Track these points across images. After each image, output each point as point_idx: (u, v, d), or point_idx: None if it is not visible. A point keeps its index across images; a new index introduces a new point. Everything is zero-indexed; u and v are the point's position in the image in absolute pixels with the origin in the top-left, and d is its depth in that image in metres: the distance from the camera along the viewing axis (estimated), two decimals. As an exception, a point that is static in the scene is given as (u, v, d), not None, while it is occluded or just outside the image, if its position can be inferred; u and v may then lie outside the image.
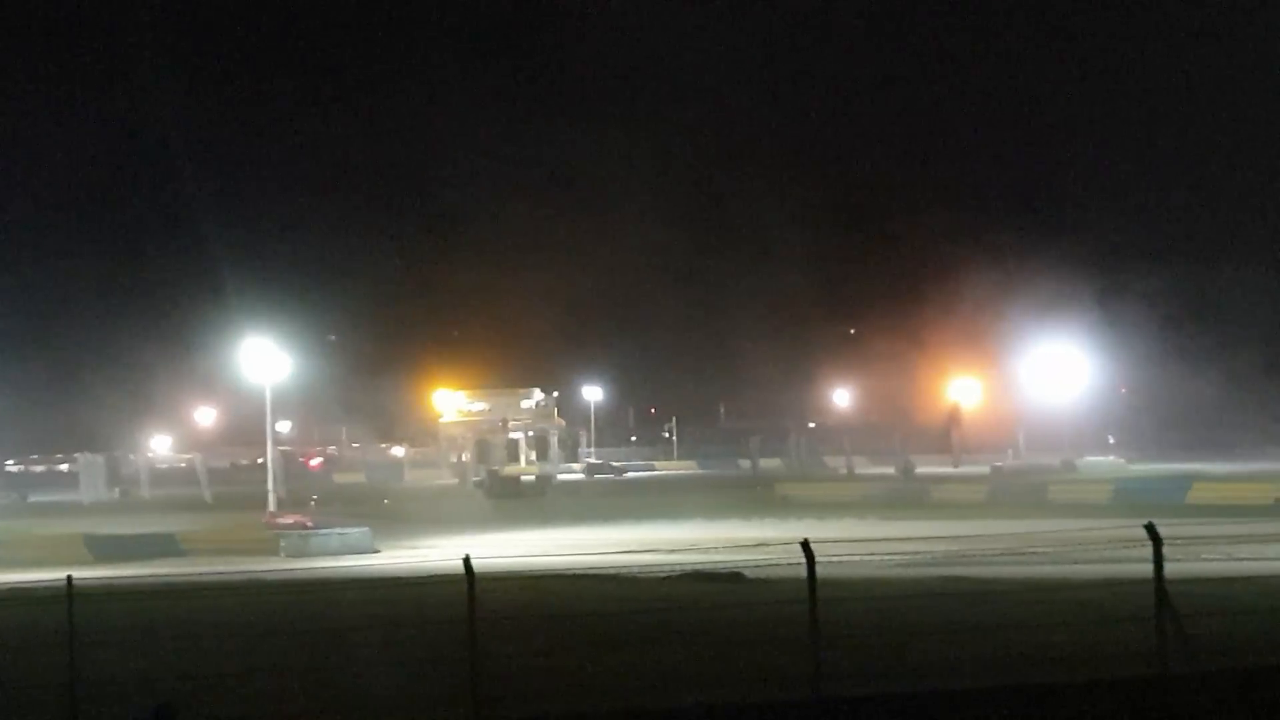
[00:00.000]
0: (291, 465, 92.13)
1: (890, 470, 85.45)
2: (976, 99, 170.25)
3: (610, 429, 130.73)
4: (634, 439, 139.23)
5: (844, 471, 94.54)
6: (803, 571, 13.99)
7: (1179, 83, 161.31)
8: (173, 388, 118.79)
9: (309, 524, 45.12)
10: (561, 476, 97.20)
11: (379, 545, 42.50)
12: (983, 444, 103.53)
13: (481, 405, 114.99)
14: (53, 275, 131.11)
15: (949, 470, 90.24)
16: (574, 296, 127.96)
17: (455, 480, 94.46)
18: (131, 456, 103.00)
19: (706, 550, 30.99)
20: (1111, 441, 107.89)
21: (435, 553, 38.18)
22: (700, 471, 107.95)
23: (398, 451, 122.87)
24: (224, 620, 21.93)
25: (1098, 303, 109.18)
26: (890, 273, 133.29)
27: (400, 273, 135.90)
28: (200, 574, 32.36)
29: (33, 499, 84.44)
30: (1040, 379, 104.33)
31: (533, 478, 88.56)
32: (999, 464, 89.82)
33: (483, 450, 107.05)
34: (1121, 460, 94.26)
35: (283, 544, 41.69)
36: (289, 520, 46.50)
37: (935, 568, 28.36)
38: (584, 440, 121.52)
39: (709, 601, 21.72)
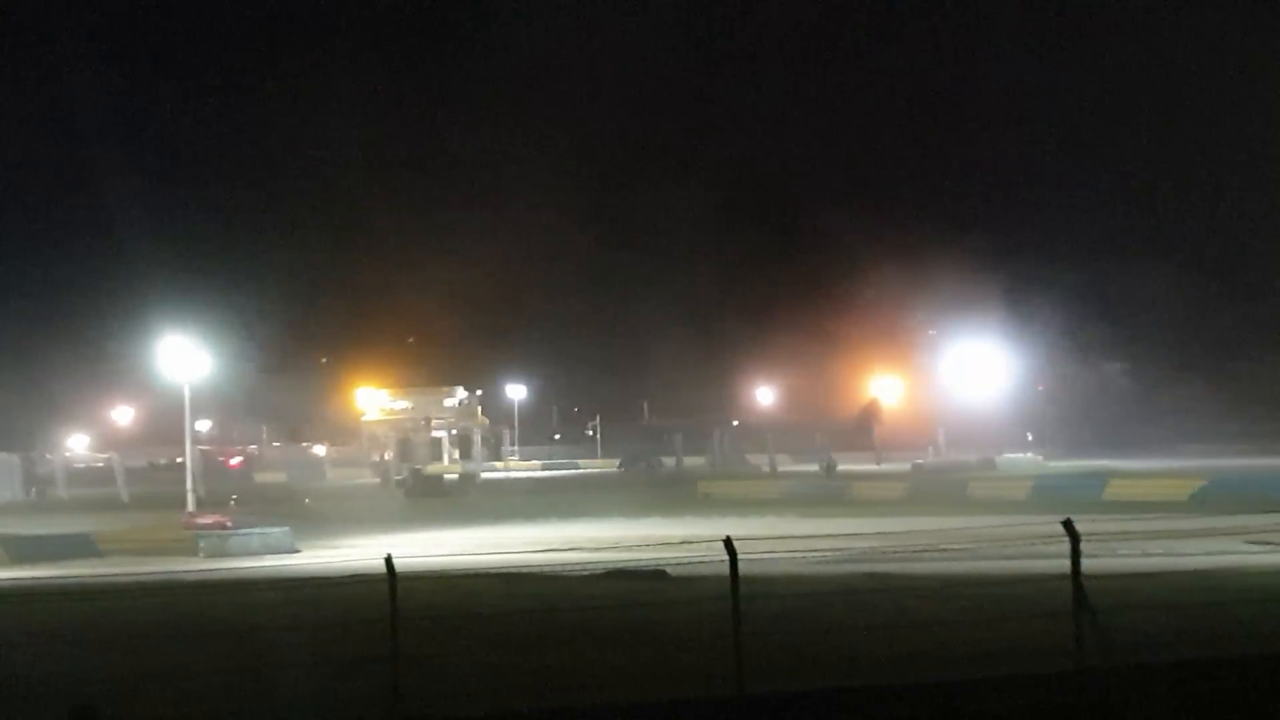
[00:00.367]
0: (211, 464, 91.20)
1: (812, 468, 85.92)
2: (885, 95, 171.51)
3: (534, 428, 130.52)
4: (557, 437, 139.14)
5: (766, 469, 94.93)
6: (725, 569, 14.03)
7: (1086, 79, 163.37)
8: (90, 386, 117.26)
9: (228, 524, 44.66)
10: (484, 475, 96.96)
11: (300, 545, 42.16)
12: (903, 441, 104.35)
13: (404, 404, 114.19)
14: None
15: (870, 467, 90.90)
16: (495, 295, 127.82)
17: (377, 479, 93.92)
18: (48, 456, 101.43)
19: (629, 548, 31.02)
20: (1030, 439, 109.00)
21: (357, 552, 37.92)
22: (623, 469, 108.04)
23: (319, 450, 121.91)
24: (142, 621, 21.67)
25: (1006, 299, 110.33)
26: (803, 269, 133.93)
27: (320, 270, 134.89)
28: (118, 575, 31.98)
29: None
30: (960, 377, 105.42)
31: (456, 476, 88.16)
32: (919, 461, 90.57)
33: (405, 449, 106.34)
34: (1039, 457, 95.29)
35: (201, 544, 41.25)
36: (208, 520, 46.01)
37: (857, 564, 28.53)
38: (507, 439, 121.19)
39: (632, 599, 21.73)
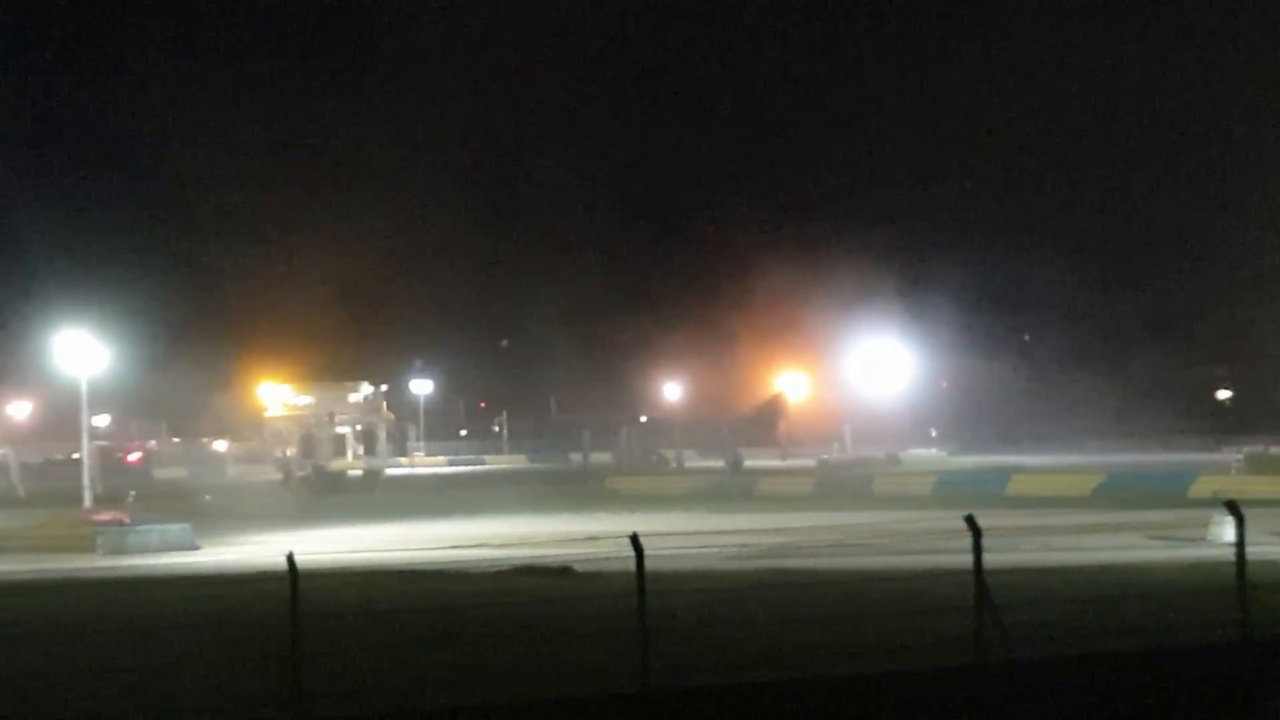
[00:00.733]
0: (109, 460, 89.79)
1: (719, 463, 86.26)
2: (777, 90, 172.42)
3: (440, 423, 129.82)
4: (464, 433, 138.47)
5: (674, 465, 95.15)
6: (632, 565, 13.98)
7: (977, 76, 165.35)
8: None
9: (126, 520, 43.96)
10: (389, 471, 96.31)
11: (200, 542, 41.58)
12: (810, 437, 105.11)
13: (307, 399, 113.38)
14: None
15: (777, 463, 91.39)
16: (400, 291, 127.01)
17: (280, 476, 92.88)
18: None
19: (536, 545, 30.92)
20: (934, 435, 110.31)
21: (258, 549, 37.48)
22: (530, 466, 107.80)
23: (220, 446, 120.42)
24: (37, 620, 21.24)
25: (901, 294, 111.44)
26: (703, 265, 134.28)
27: (221, 264, 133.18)
28: (12, 572, 31.34)
29: None
30: (865, 373, 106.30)
31: (360, 473, 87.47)
32: (825, 457, 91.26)
33: (308, 445, 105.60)
34: (943, 453, 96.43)
35: (99, 541, 40.55)
36: (106, 516, 45.27)
37: (763, 560, 28.63)
38: (413, 434, 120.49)
39: (538, 596, 21.63)
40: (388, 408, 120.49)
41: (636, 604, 13.72)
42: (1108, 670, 13.88)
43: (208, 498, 67.36)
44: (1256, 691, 13.46)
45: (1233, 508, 14.88)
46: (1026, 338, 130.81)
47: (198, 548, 40.51)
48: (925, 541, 30.36)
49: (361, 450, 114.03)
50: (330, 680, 14.70)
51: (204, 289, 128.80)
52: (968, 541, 14.28)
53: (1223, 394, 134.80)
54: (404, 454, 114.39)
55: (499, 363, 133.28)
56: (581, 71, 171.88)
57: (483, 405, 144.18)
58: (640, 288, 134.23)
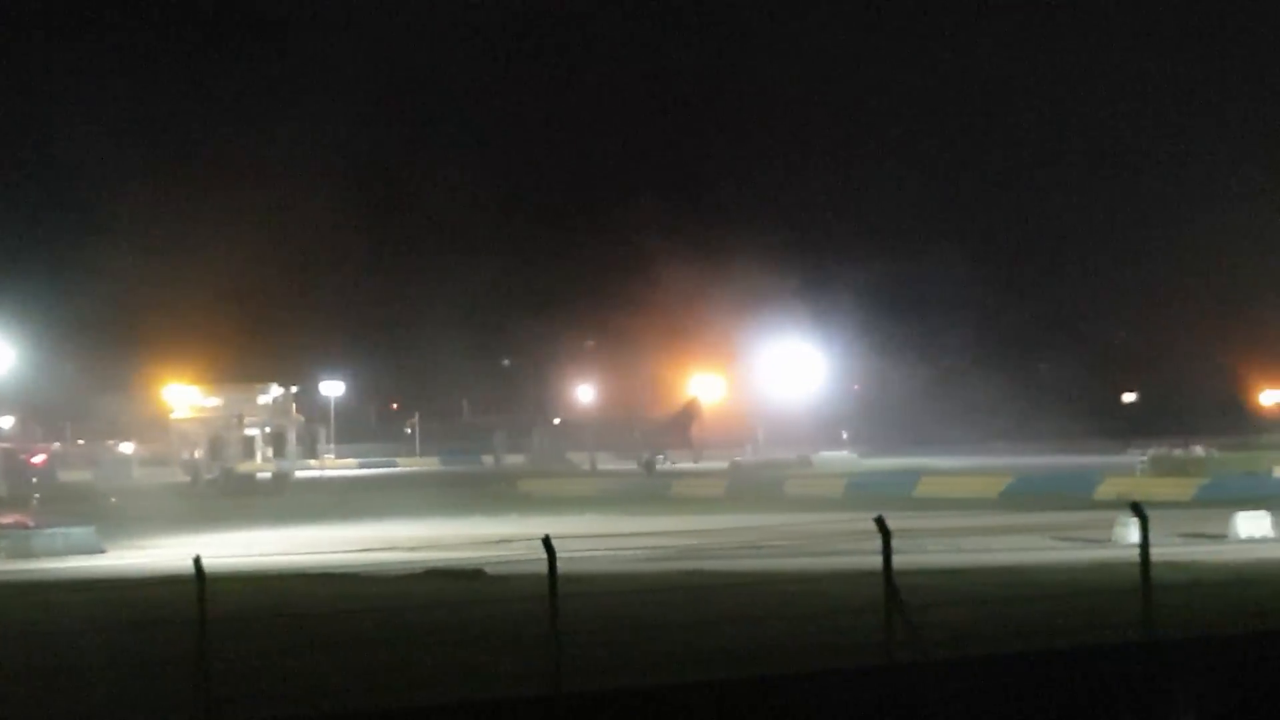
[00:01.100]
0: (12, 462, 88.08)
1: (632, 465, 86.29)
2: (680, 90, 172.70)
3: (351, 425, 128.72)
4: (377, 436, 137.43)
5: (587, 467, 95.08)
6: (544, 567, 13.95)
7: (880, 75, 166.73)
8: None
9: (30, 523, 43.24)
10: (299, 473, 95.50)
11: (106, 545, 41.00)
12: (722, 439, 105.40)
13: (215, 401, 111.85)
14: None
15: (690, 465, 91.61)
16: (309, 291, 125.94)
17: (188, 478, 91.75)
18: None
19: (447, 547, 30.82)
20: (845, 437, 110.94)
21: (166, 553, 37.00)
22: (442, 468, 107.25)
23: (127, 448, 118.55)
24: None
25: (804, 295, 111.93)
26: (607, 268, 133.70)
27: (125, 264, 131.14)
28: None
29: None
30: (777, 375, 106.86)
31: (269, 475, 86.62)
32: (738, 459, 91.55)
33: (217, 447, 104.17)
34: (854, 455, 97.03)
35: (2, 545, 39.84)
36: (9, 520, 44.48)
37: (675, 562, 28.69)
38: (323, 436, 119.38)
39: (449, 599, 21.54)
40: (297, 410, 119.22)
41: (548, 607, 13.69)
42: (1016, 670, 14.04)
43: (114, 501, 66.40)
44: (1160, 691, 13.68)
45: (1137, 509, 15.10)
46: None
47: (103, 551, 39.94)
48: (836, 543, 30.60)
49: (270, 452, 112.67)
50: (238, 684, 14.55)
51: (109, 290, 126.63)
52: (878, 543, 14.39)
53: (1128, 397, 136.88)
54: (314, 456, 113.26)
55: (411, 365, 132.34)
56: (482, 71, 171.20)
57: (395, 407, 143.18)
58: (546, 289, 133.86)
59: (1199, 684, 13.60)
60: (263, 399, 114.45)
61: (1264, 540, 33.50)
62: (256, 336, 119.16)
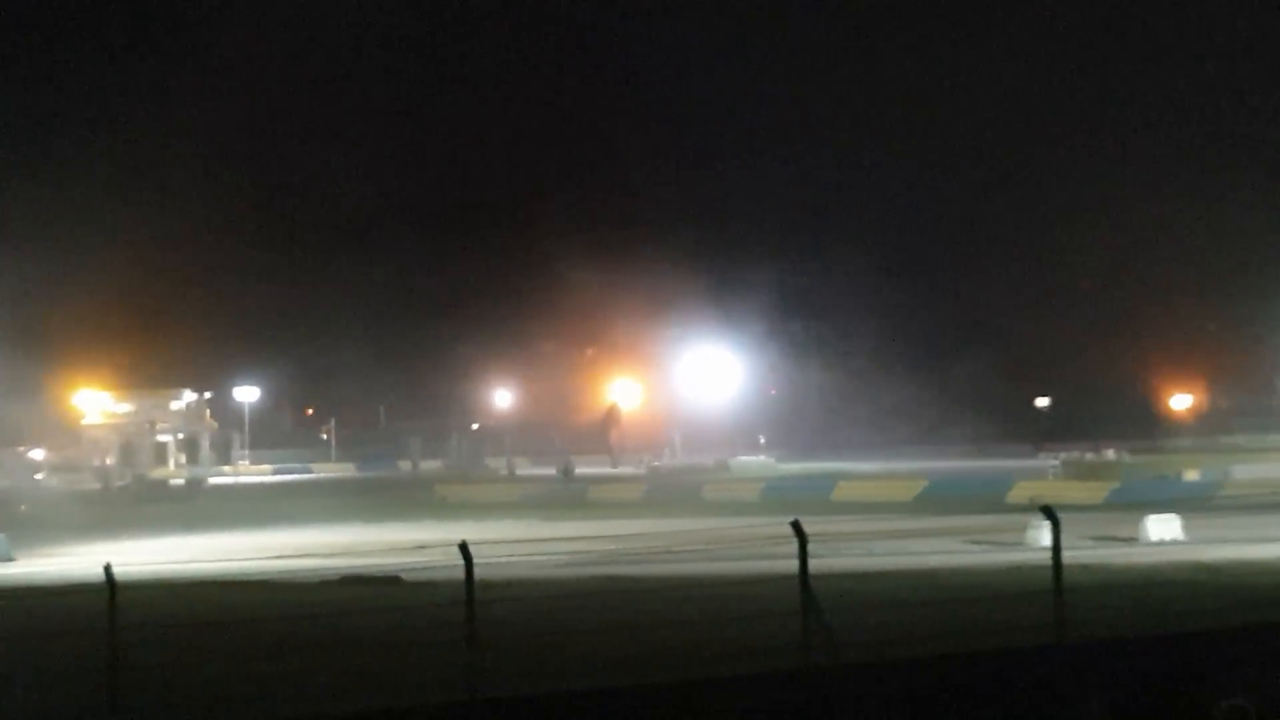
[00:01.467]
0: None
1: (551, 471, 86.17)
2: (581, 89, 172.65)
3: (266, 431, 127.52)
4: (292, 442, 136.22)
5: (505, 472, 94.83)
6: (461, 574, 13.90)
7: (789, 75, 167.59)
8: None
9: (-64, 532, 42.44)
10: (212, 480, 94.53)
11: (16, 553, 40.34)
12: (641, 444, 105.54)
13: (127, 406, 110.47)
14: None
15: (608, 470, 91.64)
16: (221, 297, 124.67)
17: (99, 485, 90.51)
18: None
19: (363, 554, 30.59)
20: (762, 441, 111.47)
21: (77, 560, 36.43)
22: (359, 474, 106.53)
23: (36, 455, 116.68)
24: None
25: (715, 296, 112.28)
26: (516, 273, 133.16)
27: (34, 268, 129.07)
28: None
29: None
30: (695, 380, 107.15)
31: (182, 482, 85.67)
32: (656, 464, 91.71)
33: (128, 453, 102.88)
34: (771, 459, 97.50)
35: (-92, 554, 39.15)
36: (-85, 529, 43.64)
37: (593, 567, 28.68)
38: (237, 443, 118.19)
39: (365, 605, 21.39)
40: (211, 415, 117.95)
41: (465, 612, 13.64)
42: (931, 673, 14.17)
43: (23, 508, 65.30)
44: (1071, 692, 13.86)
45: (1048, 513, 15.28)
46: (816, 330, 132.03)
47: (13, 559, 39.31)
48: (753, 547, 30.68)
49: (184, 459, 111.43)
50: (150, 693, 14.37)
51: (16, 294, 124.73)
52: (794, 547, 14.46)
53: (1041, 401, 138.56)
54: (228, 463, 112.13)
55: (327, 370, 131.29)
56: (387, 73, 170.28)
57: (310, 413, 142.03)
58: (456, 293, 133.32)
59: (1110, 685, 13.79)
60: (175, 405, 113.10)
61: (1174, 543, 34.00)
62: (169, 341, 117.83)
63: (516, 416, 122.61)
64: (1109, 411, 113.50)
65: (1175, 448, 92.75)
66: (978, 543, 34.42)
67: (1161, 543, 34.06)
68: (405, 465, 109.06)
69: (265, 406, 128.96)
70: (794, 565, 14.41)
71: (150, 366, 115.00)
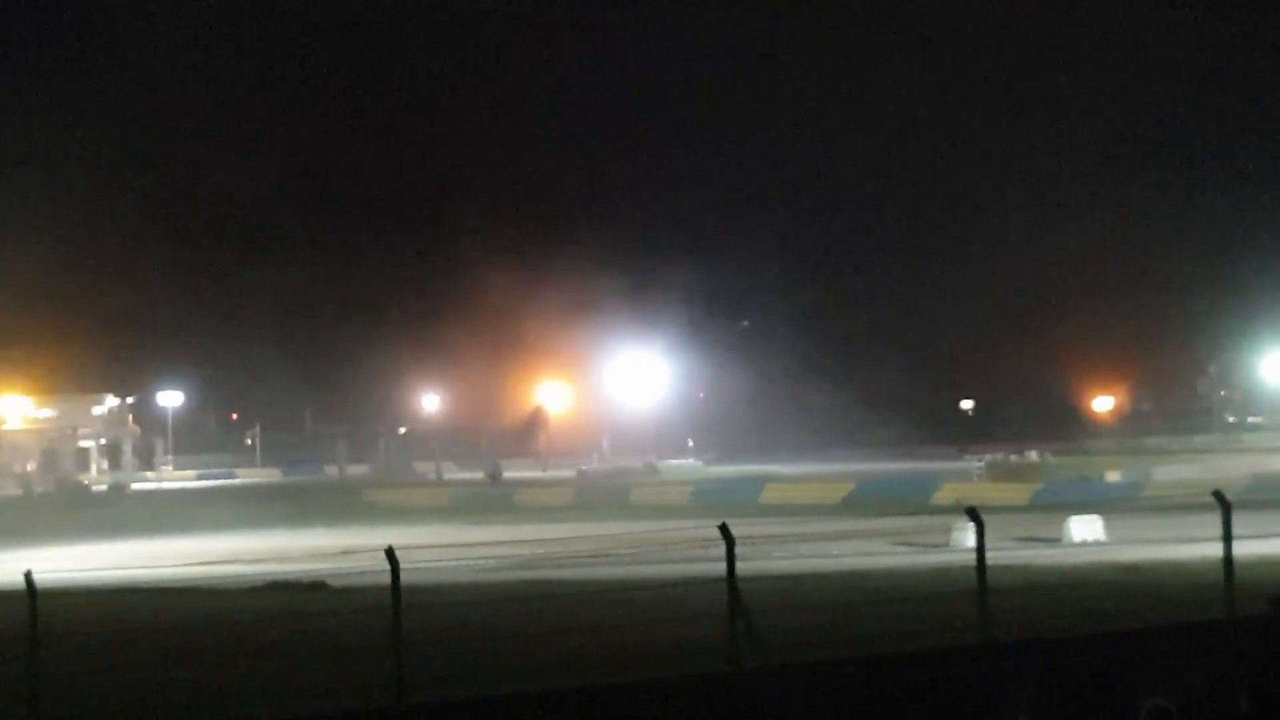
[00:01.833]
0: None
1: (479, 474, 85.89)
2: (495, 92, 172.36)
3: (190, 436, 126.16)
4: (216, 447, 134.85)
5: (433, 476, 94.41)
6: (388, 579, 13.82)
7: (704, 77, 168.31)
8: None
9: None
10: (136, 485, 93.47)
11: (-68, 561, 39.64)
12: (569, 447, 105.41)
13: (48, 412, 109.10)
14: None
15: (536, 474, 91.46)
16: (149, 300, 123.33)
17: (19, 491, 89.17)
18: None
19: (289, 560, 30.37)
20: (691, 444, 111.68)
21: (-4, 568, 35.88)
22: (284, 479, 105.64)
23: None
24: None
25: (632, 298, 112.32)
26: (436, 275, 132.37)
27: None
28: None
29: None
30: (623, 383, 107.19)
31: (105, 488, 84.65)
32: (584, 467, 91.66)
33: (50, 459, 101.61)
34: (700, 462, 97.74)
35: None
36: None
37: (521, 571, 28.64)
38: (160, 448, 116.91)
39: (291, 612, 21.22)
40: (134, 420, 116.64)
41: (391, 618, 13.57)
42: (858, 674, 14.24)
43: (-59, 515, 64.30)
44: (996, 692, 13.98)
45: (973, 514, 15.40)
46: (745, 323, 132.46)
47: (-71, 568, 38.61)
48: (682, 550, 30.74)
49: (106, 464, 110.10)
50: (70, 702, 14.19)
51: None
52: (722, 550, 14.50)
53: (966, 403, 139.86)
54: (151, 468, 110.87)
55: (252, 374, 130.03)
56: (304, 76, 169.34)
57: (234, 417, 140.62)
58: (377, 298, 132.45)
59: (1033, 685, 13.93)
60: (97, 410, 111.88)
61: (1096, 544, 34.43)
62: (91, 346, 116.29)
63: (444, 420, 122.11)
64: (1032, 413, 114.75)
65: (1097, 449, 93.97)
66: (904, 544, 34.68)
67: (1084, 543, 34.47)
68: (332, 470, 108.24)
69: (189, 411, 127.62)
70: (722, 568, 14.45)
71: (72, 371, 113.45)
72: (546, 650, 16.53)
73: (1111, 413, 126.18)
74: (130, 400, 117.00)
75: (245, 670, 16.47)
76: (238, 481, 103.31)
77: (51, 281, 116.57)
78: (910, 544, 34.43)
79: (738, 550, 14.47)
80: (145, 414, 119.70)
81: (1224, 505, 15.82)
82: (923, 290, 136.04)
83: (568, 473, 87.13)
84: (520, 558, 31.59)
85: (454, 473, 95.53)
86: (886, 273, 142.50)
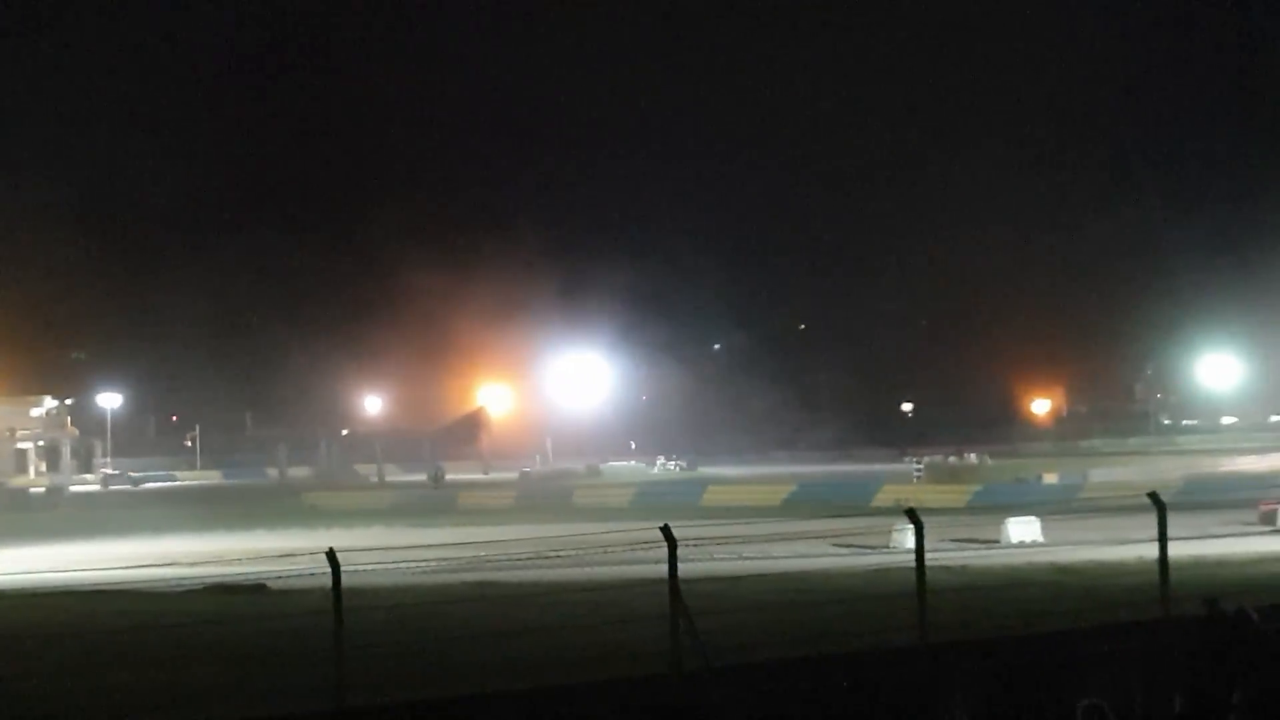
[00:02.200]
0: None
1: (421, 477, 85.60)
2: (421, 91, 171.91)
3: (129, 438, 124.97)
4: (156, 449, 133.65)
5: (374, 479, 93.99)
6: (329, 581, 13.78)
7: (638, 76, 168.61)
8: None
9: None
10: (74, 488, 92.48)
11: None
12: (512, 450, 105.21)
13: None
14: None
15: (479, 476, 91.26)
16: (86, 302, 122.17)
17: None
18: None
19: (229, 562, 30.14)
20: (634, 446, 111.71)
21: (-70, 572, 35.45)
22: (225, 481, 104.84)
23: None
24: None
25: (562, 298, 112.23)
26: (368, 278, 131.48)
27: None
28: None
29: None
30: (566, 385, 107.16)
31: (43, 490, 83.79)
32: (527, 469, 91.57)
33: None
34: (643, 465, 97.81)
35: None
36: None
37: (463, 573, 28.57)
38: (99, 450, 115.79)
39: (230, 615, 21.10)
40: (72, 423, 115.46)
41: (332, 621, 13.53)
42: (798, 675, 14.32)
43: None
44: (934, 693, 14.09)
45: (912, 516, 15.53)
46: (717, 346, 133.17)
47: None
48: (623, 552, 30.78)
49: (44, 467, 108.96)
50: (7, 705, 14.05)
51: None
52: (664, 551, 14.55)
53: (906, 406, 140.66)
54: (89, 470, 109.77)
55: (192, 376, 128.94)
56: (225, 78, 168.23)
57: (174, 419, 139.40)
58: (313, 299, 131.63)
59: (971, 685, 14.05)
60: (35, 412, 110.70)
61: (1034, 545, 34.75)
62: (28, 348, 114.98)
63: (386, 423, 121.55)
64: (971, 416, 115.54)
65: (1035, 452, 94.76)
66: (844, 546, 34.86)
67: (1022, 544, 34.80)
68: (273, 472, 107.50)
69: (128, 413, 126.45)
70: (664, 570, 14.49)
71: (8, 373, 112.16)
72: (488, 652, 16.52)
73: (1049, 415, 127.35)
74: (69, 402, 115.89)
75: (182, 674, 16.36)
76: (178, 484, 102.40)
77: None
78: (850, 545, 34.61)
79: (680, 552, 14.52)
80: (85, 416, 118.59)
81: (1159, 507, 16.03)
82: (862, 292, 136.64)
83: (510, 475, 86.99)
84: (462, 560, 31.48)
85: (396, 475, 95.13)
86: (826, 275, 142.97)
